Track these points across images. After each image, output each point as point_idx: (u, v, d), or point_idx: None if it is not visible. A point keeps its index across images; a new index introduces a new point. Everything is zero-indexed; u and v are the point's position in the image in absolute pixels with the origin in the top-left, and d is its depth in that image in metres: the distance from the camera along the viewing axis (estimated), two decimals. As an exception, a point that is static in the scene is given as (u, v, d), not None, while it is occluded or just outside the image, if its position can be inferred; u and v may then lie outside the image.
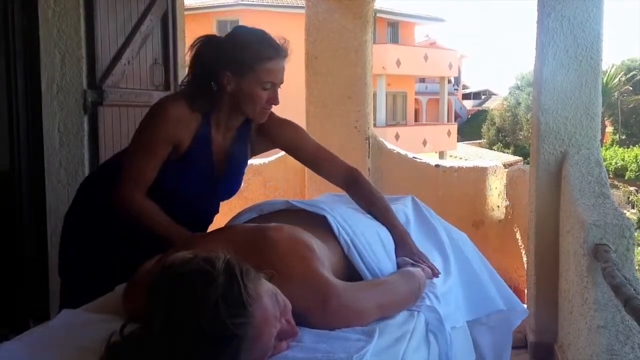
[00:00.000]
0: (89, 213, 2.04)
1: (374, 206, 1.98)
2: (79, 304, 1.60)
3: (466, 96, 42.37)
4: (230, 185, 2.06)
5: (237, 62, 1.80)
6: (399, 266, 1.75)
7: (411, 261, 1.76)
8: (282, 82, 1.86)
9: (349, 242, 1.65)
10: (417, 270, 1.68)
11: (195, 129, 1.87)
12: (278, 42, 1.83)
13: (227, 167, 1.99)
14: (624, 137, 32.22)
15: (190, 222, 1.90)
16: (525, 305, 3.47)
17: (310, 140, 2.10)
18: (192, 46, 1.87)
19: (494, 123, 34.59)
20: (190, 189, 1.94)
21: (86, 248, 2.00)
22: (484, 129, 34.92)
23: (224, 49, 1.83)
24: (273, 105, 1.88)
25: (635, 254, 2.49)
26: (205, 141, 1.90)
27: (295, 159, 2.12)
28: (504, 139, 33.91)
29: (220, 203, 2.12)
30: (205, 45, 1.85)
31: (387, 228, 1.90)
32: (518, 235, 4.10)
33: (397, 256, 1.83)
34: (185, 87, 1.90)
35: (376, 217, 1.94)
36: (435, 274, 1.81)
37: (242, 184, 5.78)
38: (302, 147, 2.08)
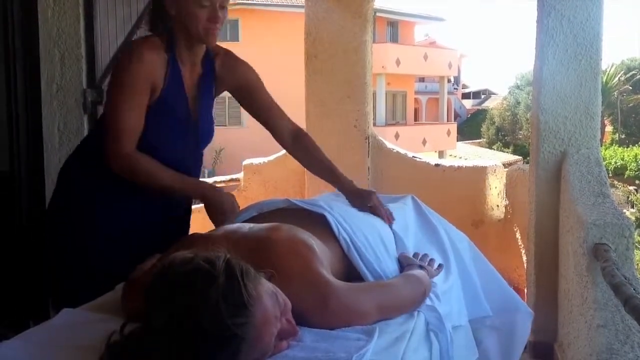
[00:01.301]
0: (70, 203, 1.98)
1: (318, 161, 2.11)
2: (72, 303, 1.58)
3: (466, 95, 42.36)
4: (208, 126, 2.05)
5: None
6: (401, 265, 1.74)
7: (416, 261, 1.75)
8: (222, 6, 1.86)
9: (349, 241, 1.65)
10: (423, 274, 1.65)
11: (166, 68, 1.87)
12: None
13: (200, 108, 2.00)
14: (623, 136, 32.21)
15: None
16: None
17: (266, 90, 2.12)
18: None
19: (494, 122, 34.58)
20: (172, 138, 1.93)
21: (72, 245, 1.95)
22: (484, 128, 34.92)
23: None
24: (218, 25, 1.86)
25: (635, 253, 2.49)
26: (177, 80, 1.91)
27: (246, 106, 2.12)
28: (503, 138, 33.90)
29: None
30: None
31: (336, 186, 2.06)
32: (518, 235, 4.10)
33: (353, 206, 1.96)
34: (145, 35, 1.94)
35: (321, 173, 2.09)
36: (438, 269, 1.80)
37: (241, 183, 5.77)
38: (259, 92, 2.09)
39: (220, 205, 1.89)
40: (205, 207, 1.93)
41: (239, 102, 2.13)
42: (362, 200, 1.99)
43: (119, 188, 1.91)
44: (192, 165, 2.05)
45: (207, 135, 2.06)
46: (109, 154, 1.85)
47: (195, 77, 1.97)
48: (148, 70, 1.84)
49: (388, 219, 1.94)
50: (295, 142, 2.13)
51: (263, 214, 1.80)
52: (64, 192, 2.02)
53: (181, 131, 1.95)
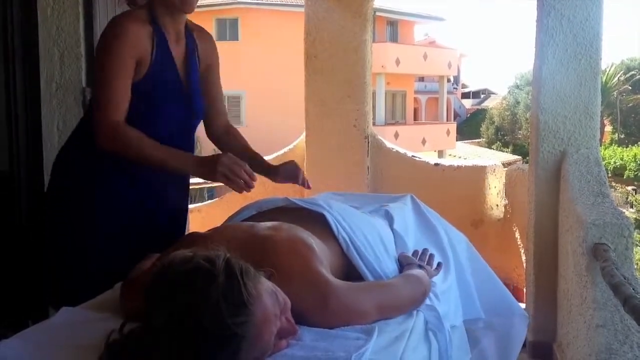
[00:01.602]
0: (68, 198, 1.95)
1: (242, 146, 2.12)
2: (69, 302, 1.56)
3: (465, 95, 42.37)
4: (200, 99, 2.02)
5: None
6: (401, 265, 1.74)
7: (415, 260, 1.75)
8: None
9: (348, 240, 1.65)
10: (423, 274, 1.64)
11: (152, 40, 1.84)
12: None
13: (191, 81, 1.97)
14: (622, 136, 32.23)
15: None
16: (524, 305, 3.47)
17: (219, 77, 2.12)
18: None
19: (493, 122, 34.59)
20: (166, 111, 1.91)
21: (71, 244, 1.92)
22: (483, 128, 34.93)
23: None
24: None
25: (634, 253, 2.49)
26: (165, 51, 1.88)
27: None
28: (503, 138, 33.91)
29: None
30: None
31: (256, 164, 2.01)
32: (517, 235, 4.10)
33: (277, 176, 2.02)
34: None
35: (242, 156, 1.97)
36: (437, 269, 1.80)
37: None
38: (216, 76, 2.09)
39: (218, 165, 1.78)
40: (205, 176, 1.88)
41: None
42: (286, 175, 2.05)
43: (116, 177, 1.89)
44: (186, 141, 2.01)
45: (200, 108, 2.03)
46: (97, 125, 1.81)
47: (181, 48, 1.95)
48: (133, 43, 1.80)
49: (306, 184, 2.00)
50: (226, 135, 2.16)
51: (262, 212, 1.80)
52: (59, 184, 2.00)
53: (174, 104, 1.92)
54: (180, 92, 1.94)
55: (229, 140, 2.15)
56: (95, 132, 1.81)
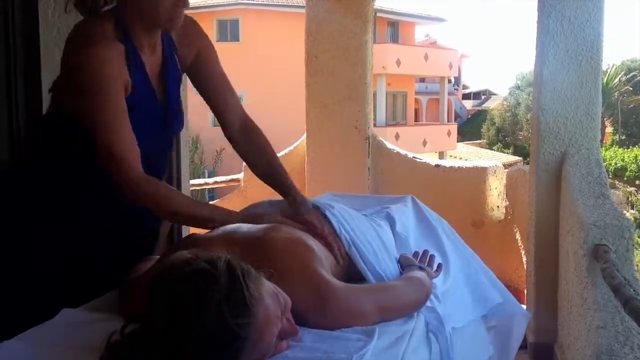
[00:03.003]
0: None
1: (269, 156, 1.83)
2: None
3: (466, 96, 42.35)
4: (178, 116, 1.80)
5: None
6: (401, 266, 1.74)
7: (416, 262, 1.75)
8: None
9: (349, 240, 1.64)
10: (425, 277, 1.63)
11: (127, 59, 1.60)
12: None
13: (169, 97, 1.74)
14: (623, 137, 32.21)
15: (148, 173, 1.60)
16: (524, 307, 3.47)
17: (220, 66, 1.84)
18: None
19: (494, 123, 34.57)
20: (143, 133, 1.62)
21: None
22: (484, 129, 34.91)
23: None
24: (185, 10, 1.60)
25: (635, 254, 2.49)
26: (140, 73, 1.65)
27: (197, 84, 1.84)
28: (503, 139, 33.89)
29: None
30: None
31: (283, 189, 1.80)
32: (518, 236, 4.10)
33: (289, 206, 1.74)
34: (86, 21, 1.66)
35: (269, 175, 1.84)
36: (437, 271, 1.80)
37: (242, 183, 5.75)
38: (208, 64, 1.81)
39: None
40: None
41: (191, 80, 1.86)
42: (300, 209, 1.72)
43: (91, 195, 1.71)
44: (160, 158, 1.84)
45: (178, 125, 1.83)
46: (118, 181, 1.57)
47: (157, 63, 1.71)
48: (112, 70, 1.56)
49: (330, 245, 1.60)
50: (245, 134, 1.86)
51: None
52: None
53: (151, 125, 1.70)
54: (156, 112, 1.73)
55: (249, 147, 1.87)
56: (120, 188, 1.57)
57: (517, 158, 25.43)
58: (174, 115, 1.79)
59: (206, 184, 6.01)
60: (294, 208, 1.74)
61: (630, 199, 22.24)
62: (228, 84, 1.86)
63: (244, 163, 1.98)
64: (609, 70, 29.15)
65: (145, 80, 1.68)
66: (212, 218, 1.59)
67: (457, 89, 37.20)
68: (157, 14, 1.60)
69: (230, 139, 1.89)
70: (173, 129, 1.85)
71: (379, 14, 21.32)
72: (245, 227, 1.55)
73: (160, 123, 1.75)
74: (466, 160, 12.94)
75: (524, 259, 3.77)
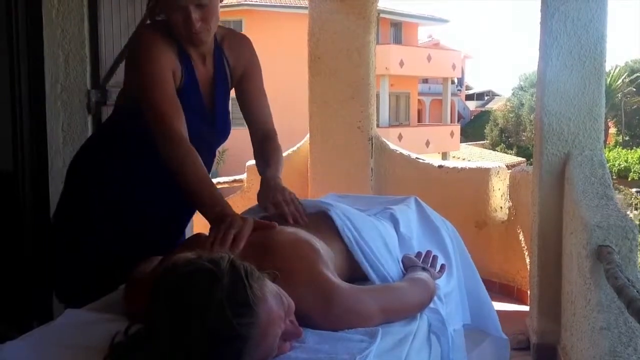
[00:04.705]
0: (78, 204, 1.92)
1: (268, 156, 1.89)
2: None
3: (469, 97, 42.34)
4: (225, 123, 1.95)
5: None
6: (404, 266, 1.73)
7: (419, 262, 1.74)
8: (199, 4, 1.71)
9: (352, 239, 1.64)
10: (429, 278, 1.63)
11: (178, 55, 1.78)
12: None
13: (216, 105, 1.90)
14: (627, 138, 32.19)
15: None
16: (527, 308, 3.47)
17: (261, 80, 2.00)
18: None
19: (497, 124, 34.55)
20: (193, 126, 1.76)
21: (84, 253, 1.90)
22: (487, 129, 34.89)
23: None
24: (196, 29, 1.73)
25: (639, 255, 2.49)
26: (190, 72, 1.81)
27: (237, 92, 1.97)
28: (507, 140, 33.87)
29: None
30: None
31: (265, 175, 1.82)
32: (521, 237, 4.10)
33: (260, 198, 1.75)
34: (154, 22, 1.85)
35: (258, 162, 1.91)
36: (440, 272, 1.80)
37: (245, 184, 5.77)
38: (252, 82, 1.96)
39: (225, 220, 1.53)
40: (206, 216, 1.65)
41: (234, 89, 2.00)
42: (271, 192, 1.73)
43: (129, 183, 1.89)
44: (212, 153, 1.97)
45: (223, 129, 1.97)
46: (161, 134, 1.67)
47: (208, 74, 1.88)
48: (166, 56, 1.74)
49: (294, 218, 1.65)
50: (261, 143, 1.97)
51: (267, 215, 1.79)
52: (72, 190, 1.98)
53: (198, 128, 1.82)
54: (204, 117, 1.88)
55: (261, 154, 1.95)
56: (160, 145, 1.68)
57: (520, 159, 25.37)
58: (219, 122, 1.93)
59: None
60: (263, 189, 1.79)
61: (633, 199, 22.20)
62: (265, 100, 2.02)
63: (247, 164, 2.05)
64: (612, 71, 29.11)
65: (195, 84, 1.84)
66: (205, 211, 1.63)
67: (460, 90, 37.18)
68: (178, 34, 1.77)
69: (252, 143, 2.01)
70: (219, 130, 1.96)
71: (382, 15, 21.30)
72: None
73: (206, 126, 1.89)
74: (469, 161, 12.93)
75: (527, 260, 3.77)
